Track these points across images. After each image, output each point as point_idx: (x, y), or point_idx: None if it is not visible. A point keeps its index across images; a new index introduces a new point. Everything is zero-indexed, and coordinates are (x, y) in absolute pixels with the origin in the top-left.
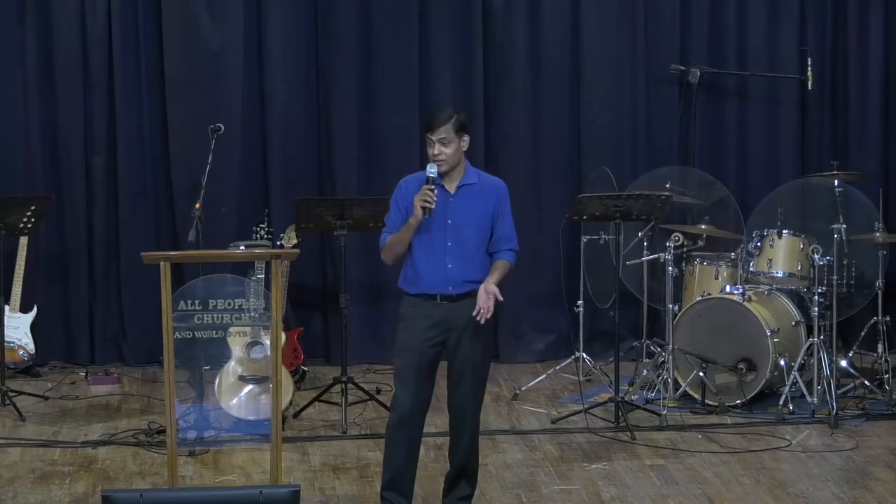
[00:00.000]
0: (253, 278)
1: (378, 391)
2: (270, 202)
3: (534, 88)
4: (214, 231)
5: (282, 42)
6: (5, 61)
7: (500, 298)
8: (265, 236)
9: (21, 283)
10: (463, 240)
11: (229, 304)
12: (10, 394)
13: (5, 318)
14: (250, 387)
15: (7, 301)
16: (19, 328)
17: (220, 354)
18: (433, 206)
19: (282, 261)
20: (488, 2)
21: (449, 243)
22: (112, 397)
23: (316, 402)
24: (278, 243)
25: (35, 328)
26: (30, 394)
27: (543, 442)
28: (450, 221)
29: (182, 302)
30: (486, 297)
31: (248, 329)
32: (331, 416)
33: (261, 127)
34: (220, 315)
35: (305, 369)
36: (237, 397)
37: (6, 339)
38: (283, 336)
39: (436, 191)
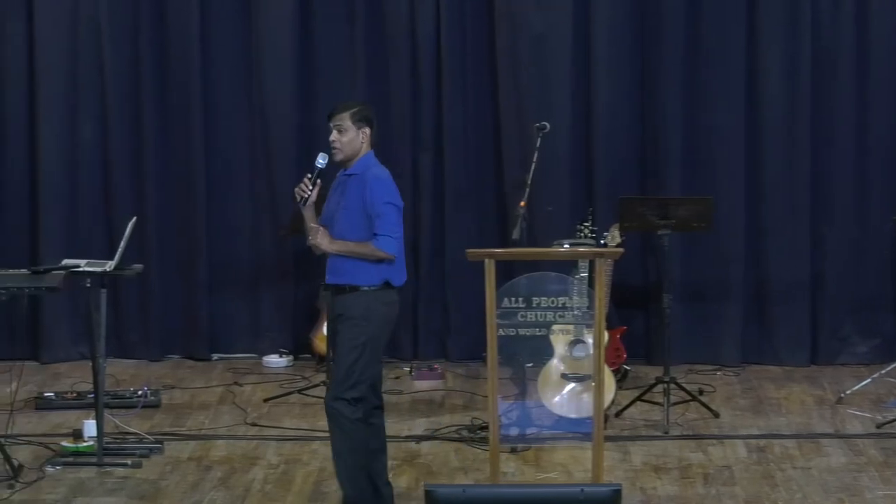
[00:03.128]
0: (576, 277)
1: (700, 392)
2: (594, 201)
3: (861, 88)
4: (539, 229)
5: (608, 42)
6: (335, 60)
7: (318, 243)
8: (589, 235)
9: None
10: (336, 228)
11: (552, 302)
12: None
13: None
14: (572, 385)
15: None
16: None
17: (542, 352)
18: (307, 196)
19: (605, 259)
20: (816, 3)
21: (331, 232)
22: (435, 393)
23: (638, 402)
24: (602, 242)
25: None
26: None
27: (868, 446)
28: (329, 221)
29: (506, 299)
30: (318, 232)
31: (570, 327)
32: (653, 416)
33: (586, 126)
34: (543, 313)
35: (628, 368)
36: (559, 395)
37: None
38: (606, 335)
39: (318, 182)
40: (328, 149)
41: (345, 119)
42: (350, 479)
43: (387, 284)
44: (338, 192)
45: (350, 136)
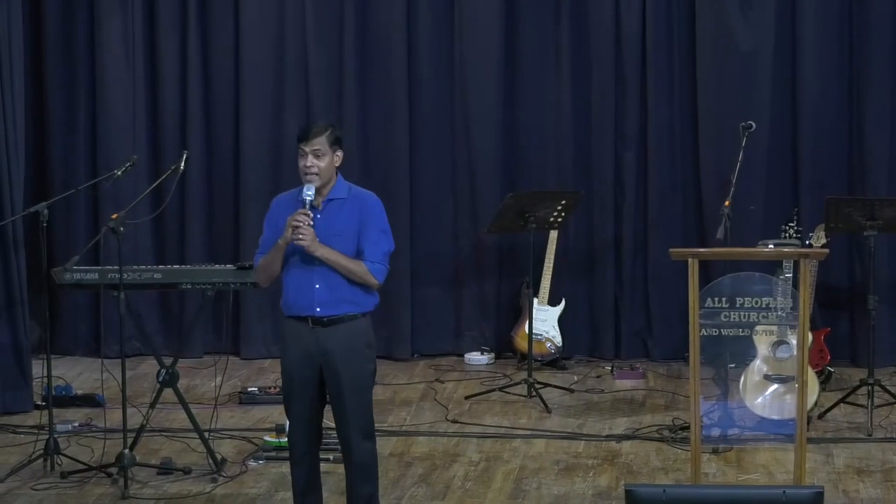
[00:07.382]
0: (781, 277)
1: None
2: (800, 201)
3: None
4: (742, 229)
5: (814, 41)
6: (539, 59)
7: (305, 236)
8: (794, 235)
9: (550, 277)
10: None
11: (756, 303)
12: (537, 386)
13: (534, 310)
14: (775, 386)
15: (536, 294)
16: (547, 321)
17: (745, 353)
18: (308, 234)
19: (810, 260)
20: None
21: (317, 263)
22: (636, 392)
23: (841, 404)
24: (807, 242)
25: (562, 321)
26: (556, 386)
27: None
28: (318, 239)
29: (709, 299)
30: (302, 221)
31: (774, 328)
32: (856, 418)
33: (791, 125)
34: (746, 313)
35: (831, 370)
36: (762, 396)
37: (534, 331)
38: (810, 336)
39: (311, 215)
40: (303, 174)
41: (322, 143)
42: None
43: (374, 308)
44: (323, 221)
45: (327, 161)
